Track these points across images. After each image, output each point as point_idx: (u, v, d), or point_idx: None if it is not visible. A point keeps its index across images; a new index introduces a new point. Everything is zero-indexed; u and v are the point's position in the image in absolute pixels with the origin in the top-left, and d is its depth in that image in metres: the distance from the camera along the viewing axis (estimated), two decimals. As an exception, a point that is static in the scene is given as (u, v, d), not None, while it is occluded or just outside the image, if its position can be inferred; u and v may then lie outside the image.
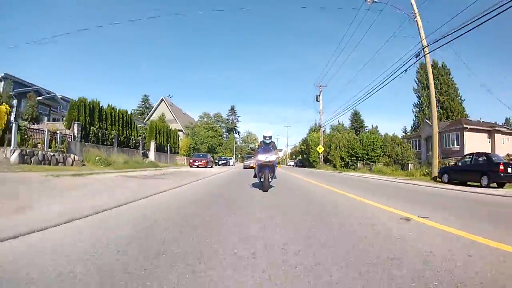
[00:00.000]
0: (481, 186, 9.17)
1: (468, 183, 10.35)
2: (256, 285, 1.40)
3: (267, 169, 6.46)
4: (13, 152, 9.19)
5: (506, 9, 8.59)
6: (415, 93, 52.01)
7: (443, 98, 48.86)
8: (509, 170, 8.86)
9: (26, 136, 10.60)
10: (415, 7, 13.27)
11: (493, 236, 2.47)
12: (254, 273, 1.54)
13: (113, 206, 3.48)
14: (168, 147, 24.82)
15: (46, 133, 11.38)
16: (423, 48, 12.25)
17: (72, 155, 11.87)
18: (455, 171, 10.75)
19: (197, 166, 20.45)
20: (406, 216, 3.48)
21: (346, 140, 28.25)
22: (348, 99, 74.79)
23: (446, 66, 49.19)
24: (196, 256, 1.77)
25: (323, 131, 33.28)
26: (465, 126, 23.54)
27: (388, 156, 25.95)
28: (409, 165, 21.07)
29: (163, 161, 22.92)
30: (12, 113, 12.81)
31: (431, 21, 56.19)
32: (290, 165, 54.04)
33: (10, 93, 18.18)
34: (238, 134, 74.42)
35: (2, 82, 20.06)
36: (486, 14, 9.19)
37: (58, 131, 12.41)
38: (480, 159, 9.87)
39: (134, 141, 19.10)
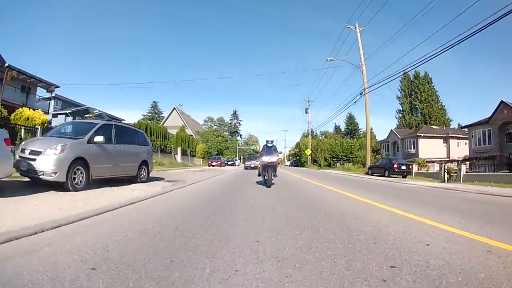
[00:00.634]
0: (385, 176, 15.91)
1: (381, 175, 17.02)
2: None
3: (270, 168, 7.81)
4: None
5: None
6: (398, 101, 56.74)
7: (422, 105, 54.84)
8: (402, 167, 15.66)
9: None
10: (362, 60, 19.96)
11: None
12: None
13: (207, 178, 10.21)
14: (189, 151, 31.68)
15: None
16: (364, 89, 18.97)
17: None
18: (374, 168, 17.64)
19: (214, 166, 27.29)
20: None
21: (329, 144, 35.25)
22: (331, 111, 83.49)
23: (428, 75, 54.54)
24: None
25: (313, 136, 40.15)
26: (419, 134, 30.26)
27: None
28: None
29: (187, 162, 29.74)
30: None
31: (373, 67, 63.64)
32: (287, 165, 60.84)
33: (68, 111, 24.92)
34: (240, 137, 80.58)
35: (52, 101, 26.56)
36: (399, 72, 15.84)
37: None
38: (385, 161, 16.72)
39: (169, 148, 25.97)
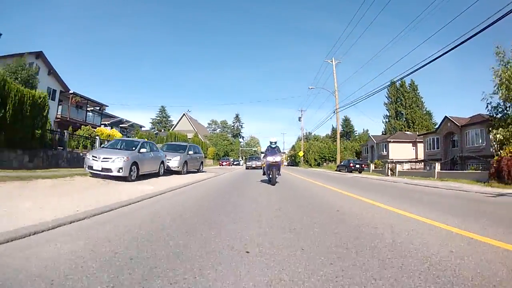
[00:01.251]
0: (347, 172, 22.29)
1: (344, 171, 23.41)
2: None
3: (274, 167, 8.40)
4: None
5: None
6: (385, 106, 61.04)
7: (406, 111, 60.54)
8: (356, 166, 22.04)
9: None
10: (336, 87, 26.34)
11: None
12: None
13: (225, 172, 16.57)
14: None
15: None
16: (336, 109, 25.39)
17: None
18: (340, 166, 23.85)
19: (224, 165, 33.91)
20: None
21: (318, 147, 41.73)
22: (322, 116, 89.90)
23: (414, 83, 57.98)
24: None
25: (307, 138, 46.63)
26: (389, 140, 36.31)
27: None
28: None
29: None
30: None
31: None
32: (285, 165, 67.29)
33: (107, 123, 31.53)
34: (243, 139, 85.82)
35: (99, 116, 32.98)
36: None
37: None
38: (346, 162, 23.15)
39: (187, 151, 32.84)
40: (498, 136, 13.03)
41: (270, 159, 8.58)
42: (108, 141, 14.79)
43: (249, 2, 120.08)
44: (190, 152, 14.56)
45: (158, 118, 79.24)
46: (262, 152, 10.45)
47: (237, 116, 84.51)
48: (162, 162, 11.76)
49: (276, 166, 8.61)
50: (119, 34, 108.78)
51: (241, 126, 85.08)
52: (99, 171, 8.61)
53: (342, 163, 25.62)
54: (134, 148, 9.90)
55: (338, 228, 3.36)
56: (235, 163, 43.54)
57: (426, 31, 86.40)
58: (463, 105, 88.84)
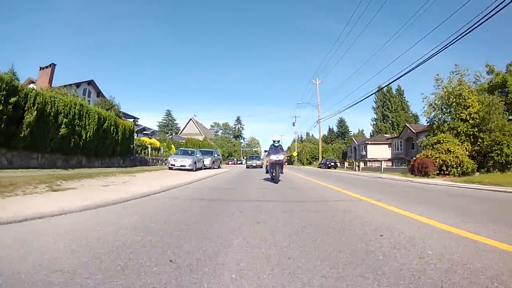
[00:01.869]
0: (325, 169, 29.59)
1: (323, 167, 30.82)
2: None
3: (277, 166, 8.73)
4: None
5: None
6: (373, 110, 67.76)
7: (392, 114, 67.84)
8: (331, 163, 29.46)
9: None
10: (318, 102, 33.62)
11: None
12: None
13: (235, 169, 23.75)
14: (210, 154, 45.75)
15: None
16: (318, 120, 32.66)
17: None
18: (321, 164, 31.31)
19: (230, 164, 41.16)
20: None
21: (309, 148, 49.10)
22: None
23: (400, 88, 65.09)
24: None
25: (302, 140, 53.97)
26: (367, 142, 43.80)
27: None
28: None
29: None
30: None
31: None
32: (282, 163, 74.66)
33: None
34: (243, 140, 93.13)
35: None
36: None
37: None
38: (324, 160, 30.55)
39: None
40: (422, 143, 20.45)
41: (274, 157, 8.76)
42: (151, 147, 22.65)
43: (249, 2, 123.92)
44: (215, 155, 22.39)
45: (165, 121, 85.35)
46: (265, 151, 12.39)
47: (238, 118, 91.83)
48: (203, 161, 19.28)
49: (279, 164, 8.79)
50: (119, 35, 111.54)
51: (242, 128, 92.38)
52: (179, 167, 15.99)
53: (321, 162, 33.59)
54: (192, 154, 17.59)
55: (300, 191, 10.42)
56: (238, 162, 50.66)
57: (418, 33, 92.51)
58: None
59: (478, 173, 17.18)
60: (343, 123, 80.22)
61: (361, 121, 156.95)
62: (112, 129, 14.83)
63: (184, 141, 38.55)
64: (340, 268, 1.91)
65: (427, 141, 19.97)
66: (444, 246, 2.46)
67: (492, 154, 17.43)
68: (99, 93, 30.52)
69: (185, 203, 5.04)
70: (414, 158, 19.94)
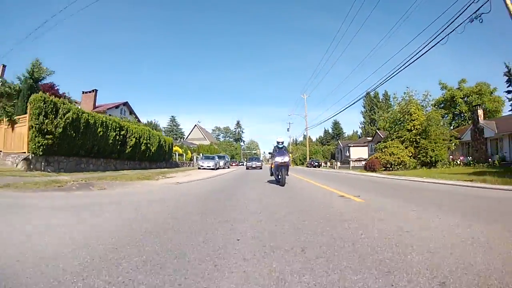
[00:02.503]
0: (310, 168, 37.66)
1: (310, 167, 38.90)
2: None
3: (283, 168, 8.57)
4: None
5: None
6: (362, 114, 74.81)
7: (378, 118, 75.50)
8: (315, 163, 37.64)
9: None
10: (306, 113, 41.74)
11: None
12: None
13: (239, 169, 31.74)
14: (217, 157, 53.89)
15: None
16: (306, 128, 40.76)
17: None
18: (308, 164, 39.52)
19: (233, 165, 49.10)
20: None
21: (303, 150, 57.22)
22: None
23: (387, 93, 70.89)
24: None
25: (295, 144, 62.16)
26: (349, 145, 51.82)
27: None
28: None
29: (216, 164, 51.89)
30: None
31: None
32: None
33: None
34: (243, 143, 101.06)
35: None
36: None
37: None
38: (310, 160, 38.73)
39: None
40: (377, 147, 28.51)
41: (279, 159, 8.59)
42: (176, 153, 30.61)
43: (249, 2, 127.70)
44: (226, 159, 30.55)
45: (169, 127, 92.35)
46: (270, 153, 12.21)
47: (238, 122, 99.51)
48: (219, 163, 27.32)
49: (285, 166, 8.58)
50: (119, 36, 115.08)
51: (242, 131, 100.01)
52: (206, 167, 24.14)
53: (308, 162, 41.09)
54: (213, 159, 25.89)
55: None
56: (240, 164, 58.85)
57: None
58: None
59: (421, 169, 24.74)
60: (337, 125, 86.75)
61: (357, 123, 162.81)
62: (163, 144, 22.89)
63: (195, 146, 46.59)
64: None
65: (378, 146, 28.05)
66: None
67: (419, 156, 25.37)
68: (131, 112, 38.46)
69: (224, 181, 12.59)
70: (368, 159, 28.07)
